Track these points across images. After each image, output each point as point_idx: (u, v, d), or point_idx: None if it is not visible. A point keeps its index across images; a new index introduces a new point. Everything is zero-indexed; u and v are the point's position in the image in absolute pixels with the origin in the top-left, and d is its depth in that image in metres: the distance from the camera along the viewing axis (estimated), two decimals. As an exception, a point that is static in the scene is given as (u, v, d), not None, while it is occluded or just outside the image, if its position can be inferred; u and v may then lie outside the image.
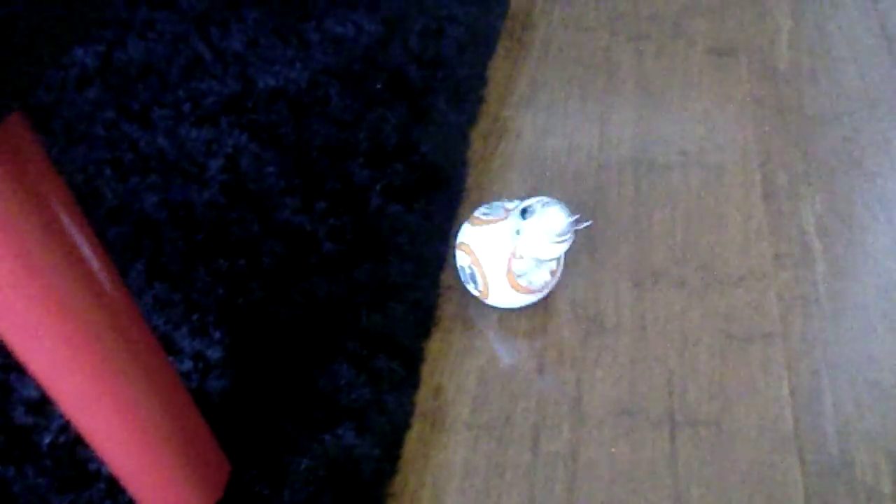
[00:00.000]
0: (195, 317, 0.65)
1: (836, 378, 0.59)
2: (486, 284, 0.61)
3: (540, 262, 0.60)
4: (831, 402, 0.57)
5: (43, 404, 0.60)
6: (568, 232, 0.57)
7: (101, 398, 0.41)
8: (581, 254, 0.69)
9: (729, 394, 0.59)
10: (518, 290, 0.61)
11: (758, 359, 0.60)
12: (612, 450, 0.57)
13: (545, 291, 0.63)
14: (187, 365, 0.62)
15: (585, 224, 0.63)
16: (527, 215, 0.59)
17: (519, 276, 0.60)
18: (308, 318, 0.65)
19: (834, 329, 0.61)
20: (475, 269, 0.61)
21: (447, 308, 0.66)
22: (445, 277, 0.68)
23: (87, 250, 0.37)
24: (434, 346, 0.64)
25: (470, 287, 0.64)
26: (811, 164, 0.74)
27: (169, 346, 0.63)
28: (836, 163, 0.74)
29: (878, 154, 0.74)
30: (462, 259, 0.63)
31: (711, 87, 0.83)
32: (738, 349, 0.61)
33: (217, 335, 0.64)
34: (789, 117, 0.79)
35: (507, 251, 0.59)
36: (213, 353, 0.63)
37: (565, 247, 0.58)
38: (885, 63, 0.83)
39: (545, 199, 0.59)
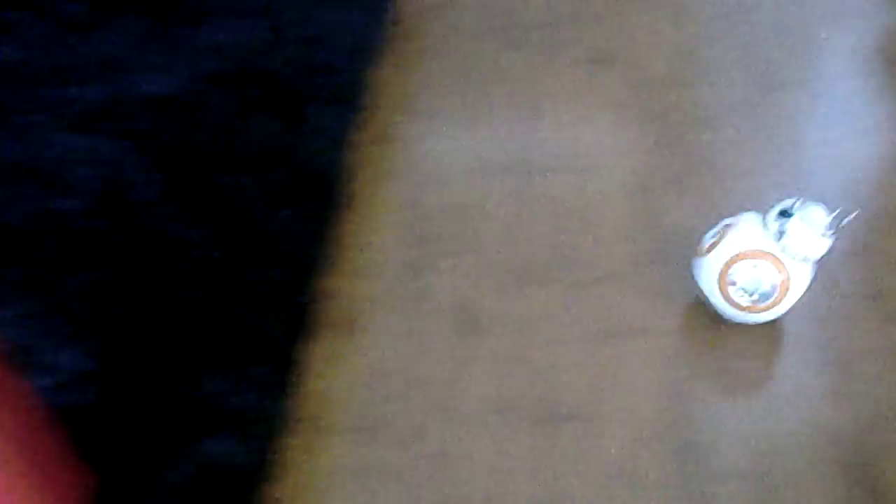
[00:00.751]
0: (65, 329, 0.63)
1: (699, 370, 0.62)
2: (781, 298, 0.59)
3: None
4: (698, 392, 0.61)
5: None
6: (832, 227, 0.58)
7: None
8: (459, 255, 0.71)
9: (600, 388, 0.61)
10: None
11: (626, 353, 0.63)
12: (488, 446, 0.58)
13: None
14: (53, 378, 0.60)
15: (850, 217, 0.61)
16: (788, 216, 0.58)
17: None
18: (183, 326, 0.64)
19: (689, 322, 0.65)
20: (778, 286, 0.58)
21: (325, 313, 0.66)
22: (325, 283, 0.68)
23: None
24: (312, 350, 0.64)
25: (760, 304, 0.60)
26: (672, 170, 0.78)
27: (34, 360, 0.61)
28: (700, 166, 0.78)
29: (735, 157, 0.79)
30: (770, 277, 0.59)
31: (588, 94, 0.87)
32: (608, 345, 0.64)
33: (87, 346, 0.62)
34: (660, 123, 0.83)
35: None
36: (83, 365, 0.61)
37: (831, 242, 0.58)
38: (746, 75, 0.89)
39: (798, 198, 0.59)
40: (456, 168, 0.79)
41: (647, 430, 0.58)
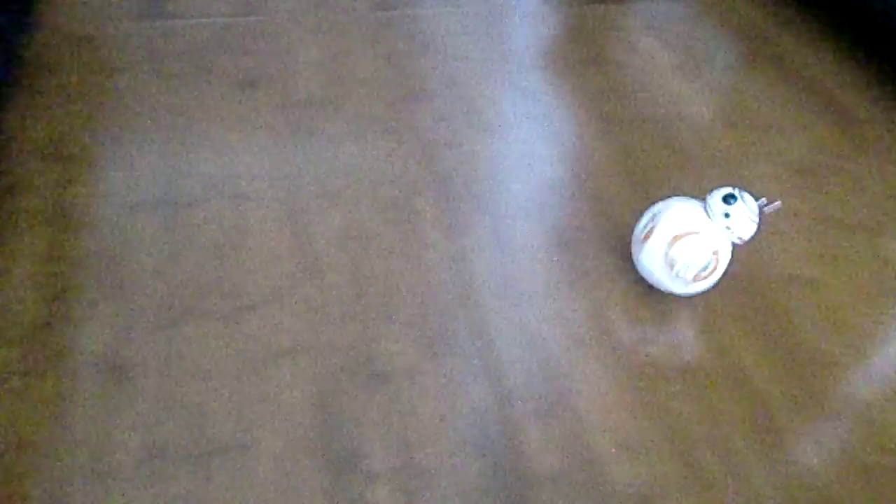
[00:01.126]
0: None
1: (351, 376, 0.64)
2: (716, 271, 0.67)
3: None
4: (343, 401, 0.63)
5: None
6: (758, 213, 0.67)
7: None
8: (103, 304, 0.67)
9: (254, 414, 0.61)
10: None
11: (280, 374, 0.64)
12: (141, 497, 0.56)
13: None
14: None
15: (775, 205, 0.68)
16: (731, 201, 0.65)
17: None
18: None
19: (347, 332, 0.67)
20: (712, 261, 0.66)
21: None
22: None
23: None
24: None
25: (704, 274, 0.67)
26: (325, 185, 0.80)
27: None
28: (350, 180, 0.81)
29: (383, 166, 0.83)
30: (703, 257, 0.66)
31: (236, 119, 0.87)
32: (261, 369, 0.64)
33: None
34: (306, 141, 0.85)
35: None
36: None
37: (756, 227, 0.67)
38: (388, 86, 0.94)
39: (736, 187, 0.66)
40: (101, 212, 0.75)
41: (300, 446, 0.59)
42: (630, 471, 0.59)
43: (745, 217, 0.66)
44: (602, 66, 1.01)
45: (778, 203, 0.70)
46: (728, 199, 0.66)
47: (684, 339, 0.69)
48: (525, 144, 0.88)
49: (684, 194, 0.72)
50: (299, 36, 1.00)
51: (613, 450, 0.60)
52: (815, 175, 0.87)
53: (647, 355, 0.67)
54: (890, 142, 0.92)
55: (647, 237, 0.69)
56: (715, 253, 0.67)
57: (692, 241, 0.67)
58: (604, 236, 0.77)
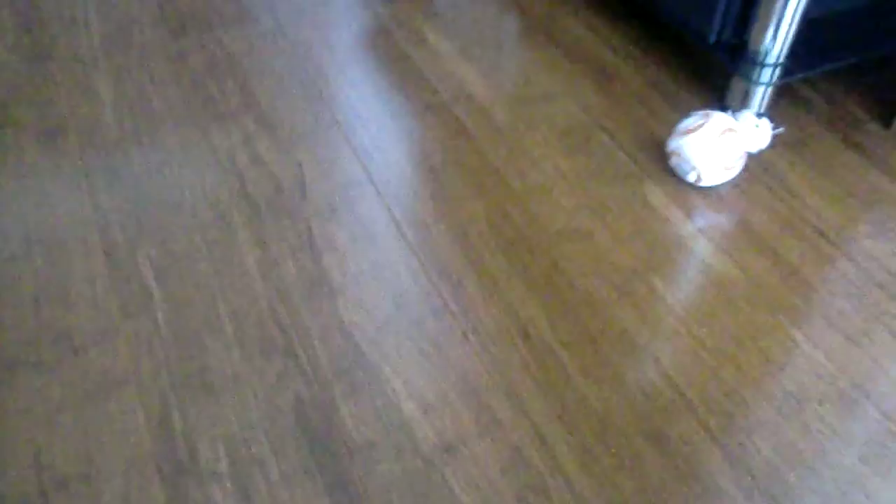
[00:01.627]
0: None
1: (184, 391, 0.71)
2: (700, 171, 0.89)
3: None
4: (178, 415, 0.70)
5: None
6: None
7: None
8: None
9: (95, 444, 0.67)
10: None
11: (116, 404, 0.70)
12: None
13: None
14: None
15: (780, 129, 0.94)
16: (760, 117, 0.90)
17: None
18: None
19: (176, 352, 0.74)
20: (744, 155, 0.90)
21: None
22: None
23: None
24: None
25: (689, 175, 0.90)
26: (141, 219, 0.86)
27: None
28: (165, 210, 0.87)
29: (186, 191, 0.89)
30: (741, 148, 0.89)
31: (46, 167, 0.90)
32: (99, 403, 0.70)
33: None
34: (120, 178, 0.90)
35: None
36: None
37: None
38: (200, 114, 0.99)
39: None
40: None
41: (142, 464, 0.66)
42: (435, 426, 0.69)
43: (766, 132, 0.91)
44: (398, 62, 1.10)
45: (782, 129, 0.96)
46: (759, 115, 0.91)
47: (473, 301, 0.79)
48: (329, 150, 0.95)
49: (470, 168, 0.81)
50: (98, 76, 1.03)
51: (418, 412, 0.70)
52: (581, 135, 0.98)
53: (437, 326, 0.77)
54: (642, 96, 1.05)
55: (693, 130, 0.89)
56: (743, 151, 0.91)
57: (736, 138, 0.89)
58: (406, 224, 0.86)
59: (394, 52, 1.11)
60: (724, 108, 1.01)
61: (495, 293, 0.80)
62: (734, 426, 0.70)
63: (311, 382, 0.72)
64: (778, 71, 0.95)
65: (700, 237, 0.86)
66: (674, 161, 0.91)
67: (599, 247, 0.85)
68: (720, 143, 0.88)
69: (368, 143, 0.97)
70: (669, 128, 0.97)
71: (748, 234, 0.87)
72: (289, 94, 1.03)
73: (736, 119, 0.90)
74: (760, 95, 0.97)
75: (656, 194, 0.91)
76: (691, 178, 0.91)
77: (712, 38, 0.97)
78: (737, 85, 0.98)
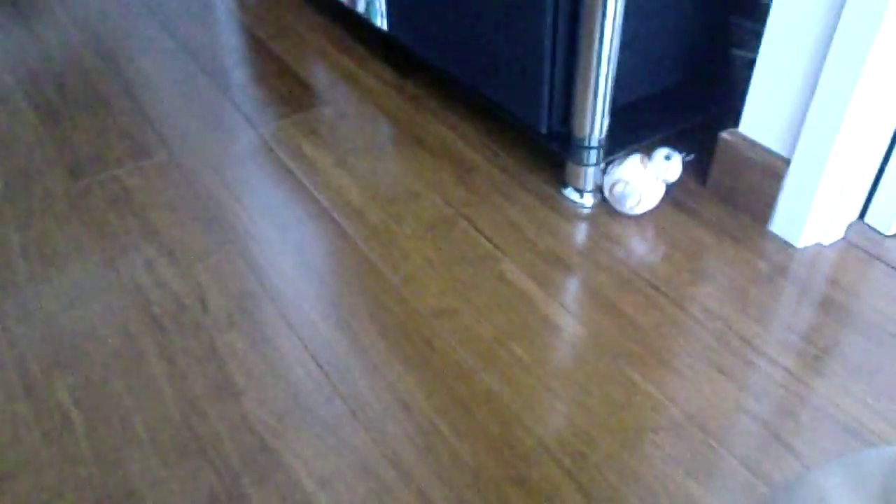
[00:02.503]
0: None
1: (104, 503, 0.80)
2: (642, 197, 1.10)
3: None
4: None
5: None
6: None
7: None
8: None
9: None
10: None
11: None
12: None
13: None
14: None
15: (690, 156, 1.19)
16: (669, 158, 1.09)
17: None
18: None
19: (98, 468, 0.83)
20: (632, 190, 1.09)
21: None
22: None
23: None
24: None
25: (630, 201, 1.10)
26: (55, 350, 0.95)
27: None
28: (77, 341, 0.97)
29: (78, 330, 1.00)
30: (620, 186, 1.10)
31: (-36, 318, 1.00)
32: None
33: None
34: (29, 321, 0.99)
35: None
36: None
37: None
38: (102, 249, 1.10)
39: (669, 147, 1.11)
40: None
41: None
42: (333, 499, 0.80)
43: (677, 164, 1.10)
44: (281, 178, 1.23)
45: (692, 155, 1.20)
46: (667, 157, 1.09)
47: (359, 385, 0.91)
48: (225, 267, 1.07)
49: (350, 267, 0.94)
50: (4, 224, 1.13)
51: (318, 488, 0.81)
52: (445, 225, 1.13)
53: (329, 411, 0.88)
54: (497, 183, 1.21)
55: (629, 164, 1.10)
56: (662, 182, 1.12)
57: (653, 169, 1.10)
58: (297, 325, 0.98)
59: (277, 170, 1.25)
60: (564, 187, 1.18)
61: (377, 375, 0.92)
62: (586, 463, 0.83)
63: (222, 476, 0.82)
64: (601, 152, 1.12)
65: (550, 302, 1.01)
66: (618, 189, 1.10)
67: (465, 322, 0.99)
68: (648, 175, 1.08)
69: (259, 255, 1.09)
70: (522, 209, 1.13)
71: (591, 295, 1.02)
72: (184, 220, 1.15)
73: (651, 156, 1.10)
74: (591, 174, 1.14)
75: (513, 271, 1.06)
76: (630, 204, 1.10)
77: (544, 130, 1.15)
78: (570, 167, 1.15)
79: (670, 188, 1.18)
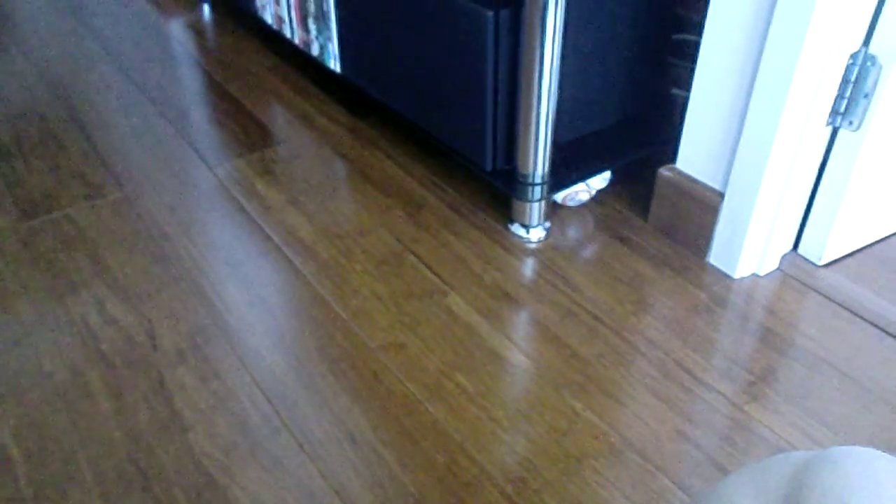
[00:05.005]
0: None
1: (49, 541, 0.80)
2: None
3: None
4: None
5: None
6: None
7: None
8: None
9: None
10: None
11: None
12: None
13: None
14: None
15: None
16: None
17: None
18: None
19: (38, 507, 0.83)
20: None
21: None
22: None
23: None
24: None
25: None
26: (0, 389, 0.95)
27: None
28: (22, 379, 0.97)
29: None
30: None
31: None
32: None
33: None
34: (-20, 356, 0.99)
35: None
36: None
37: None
38: (54, 287, 1.10)
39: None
40: None
41: None
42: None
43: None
44: (234, 216, 1.25)
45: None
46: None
47: (307, 417, 0.92)
48: (176, 303, 1.08)
49: (301, 302, 0.96)
50: (-49, 266, 1.13)
51: None
52: (393, 261, 1.16)
53: (276, 443, 0.89)
54: (445, 220, 1.24)
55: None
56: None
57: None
58: (246, 358, 0.99)
59: (230, 208, 1.27)
60: (511, 223, 1.21)
61: (325, 407, 0.93)
62: (527, 489, 0.85)
63: (166, 512, 0.82)
64: (545, 188, 1.16)
65: (496, 335, 1.03)
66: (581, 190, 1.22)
67: (412, 355, 1.00)
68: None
69: (210, 292, 1.10)
70: (470, 244, 1.16)
71: (536, 327, 1.05)
72: (137, 258, 1.16)
73: None
74: (537, 210, 1.18)
75: (459, 304, 1.08)
76: (584, 197, 1.23)
77: (489, 167, 1.18)
78: (516, 203, 1.19)
79: (609, 219, 1.22)
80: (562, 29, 1.02)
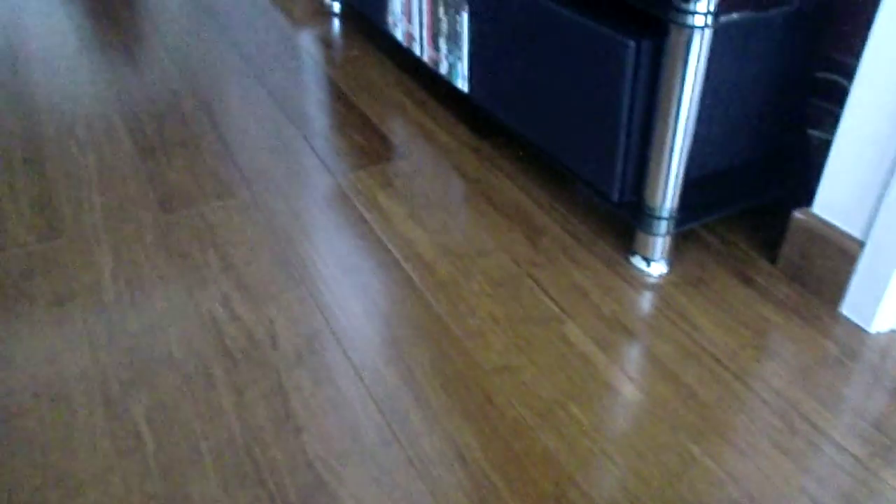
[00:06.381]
0: None
1: (169, 523, 0.83)
2: None
3: None
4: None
5: None
6: None
7: None
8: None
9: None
10: None
11: (111, 536, 0.82)
12: None
13: None
14: None
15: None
16: None
17: None
18: None
19: (163, 485, 0.86)
20: None
21: None
22: None
23: None
24: None
25: None
26: (134, 371, 1.00)
27: None
28: (154, 365, 1.01)
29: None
30: None
31: (54, 330, 1.05)
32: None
33: None
34: (116, 336, 1.05)
35: None
36: None
37: None
38: (184, 277, 1.16)
39: None
40: (-59, 438, 0.91)
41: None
42: None
43: None
44: (356, 226, 1.28)
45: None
46: None
47: (418, 432, 0.93)
48: (296, 306, 1.11)
49: (417, 318, 0.97)
50: (98, 251, 1.20)
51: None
52: (511, 284, 1.15)
53: (387, 455, 0.90)
54: (565, 247, 1.23)
55: None
56: None
57: None
58: (361, 367, 1.01)
59: (352, 218, 1.30)
60: (632, 255, 1.19)
61: (436, 424, 0.94)
62: (639, 530, 0.82)
63: (278, 510, 0.84)
64: (671, 223, 1.13)
65: (611, 367, 1.02)
66: None
67: (526, 380, 1.00)
68: None
69: (329, 298, 1.13)
70: (589, 273, 1.15)
71: (653, 363, 1.02)
72: (261, 259, 1.21)
73: None
74: (660, 243, 1.15)
75: (576, 333, 1.07)
76: None
77: (616, 198, 1.17)
78: (639, 235, 1.17)
79: (733, 259, 1.18)
80: (705, 63, 1.00)
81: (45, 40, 1.98)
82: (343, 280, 1.16)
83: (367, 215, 1.31)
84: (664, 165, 1.08)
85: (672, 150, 1.06)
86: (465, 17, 1.42)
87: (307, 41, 1.99)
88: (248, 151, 1.51)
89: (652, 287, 1.16)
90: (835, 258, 1.08)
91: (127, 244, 1.23)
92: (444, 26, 1.50)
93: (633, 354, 1.04)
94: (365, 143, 1.54)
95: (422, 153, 1.50)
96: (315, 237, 1.26)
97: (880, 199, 1.01)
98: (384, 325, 1.08)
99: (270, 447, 0.91)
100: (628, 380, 1.00)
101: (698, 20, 0.95)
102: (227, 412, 0.95)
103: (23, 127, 1.58)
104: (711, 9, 0.95)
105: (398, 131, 1.58)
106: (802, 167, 1.25)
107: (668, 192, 1.10)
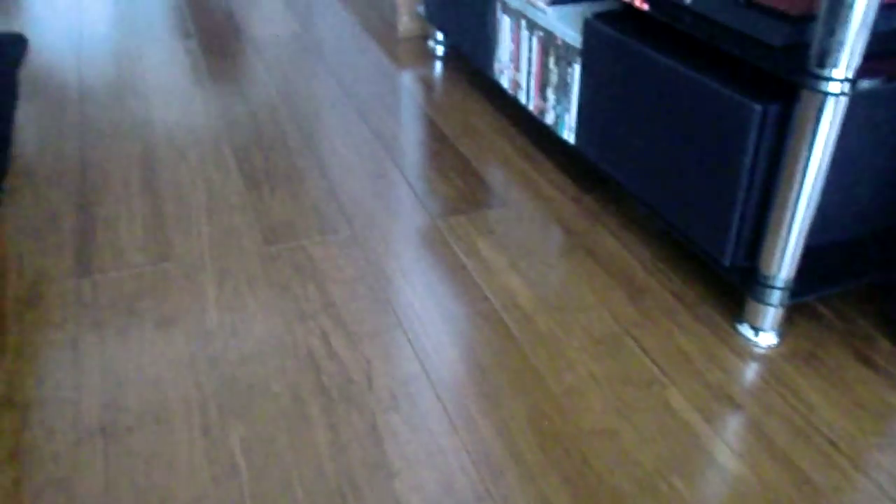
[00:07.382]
0: None
1: (259, 560, 0.83)
2: None
3: None
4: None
5: None
6: None
7: None
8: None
9: None
10: None
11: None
12: None
13: None
14: None
15: None
16: None
17: None
18: None
19: (254, 524, 0.86)
20: None
21: None
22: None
23: None
24: None
25: None
26: (233, 400, 1.01)
27: None
28: (253, 395, 1.02)
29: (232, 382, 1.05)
30: None
31: (159, 352, 1.08)
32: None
33: None
34: (217, 364, 1.06)
35: None
36: None
37: None
38: (288, 309, 1.17)
39: None
40: (51, 447, 0.93)
41: None
42: None
43: None
44: (454, 272, 1.27)
45: None
46: None
47: (513, 490, 0.90)
48: (392, 348, 1.11)
49: (514, 370, 0.95)
50: (203, 278, 1.23)
51: (460, 590, 0.79)
52: (612, 342, 1.12)
53: (485, 510, 0.87)
54: (668, 309, 1.19)
55: None
56: None
57: None
58: (456, 417, 0.99)
59: (451, 263, 1.30)
60: (740, 322, 1.14)
61: (532, 483, 0.91)
62: None
63: (367, 557, 0.83)
64: (786, 294, 1.08)
65: (717, 441, 0.97)
66: None
67: (625, 446, 0.96)
68: None
69: (426, 343, 1.12)
70: (693, 338, 1.10)
71: (762, 441, 0.97)
72: (360, 297, 1.21)
73: None
74: (772, 314, 1.10)
75: (678, 399, 1.03)
76: None
77: (727, 262, 1.12)
78: (750, 303, 1.12)
79: (851, 336, 1.11)
80: (837, 131, 0.96)
81: (164, 72, 2.07)
82: (440, 325, 1.15)
83: (466, 261, 1.30)
84: (783, 233, 1.04)
85: (794, 218, 1.02)
86: (576, 69, 1.41)
87: (409, 82, 2.02)
88: (350, 188, 1.53)
89: (760, 358, 1.10)
90: (966, 344, 1.01)
91: (231, 273, 1.26)
92: (554, 77, 1.50)
93: (739, 428, 0.99)
94: (465, 187, 1.54)
95: (523, 202, 1.49)
96: (414, 279, 1.25)
97: None
98: (480, 374, 1.06)
99: (363, 490, 0.90)
100: (735, 455, 0.95)
101: (833, 87, 0.92)
102: (321, 450, 0.95)
103: (142, 152, 1.65)
104: (850, 76, 0.91)
105: (499, 178, 1.57)
106: (929, 244, 1.18)
107: (784, 260, 1.06)
